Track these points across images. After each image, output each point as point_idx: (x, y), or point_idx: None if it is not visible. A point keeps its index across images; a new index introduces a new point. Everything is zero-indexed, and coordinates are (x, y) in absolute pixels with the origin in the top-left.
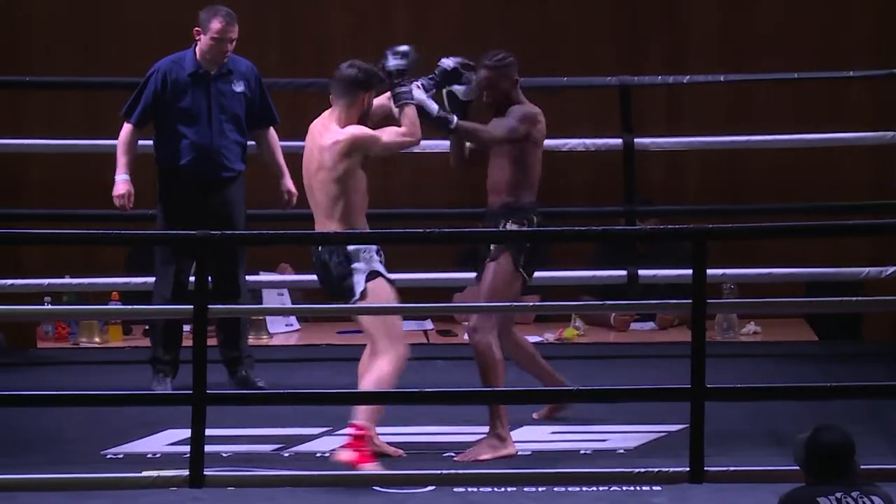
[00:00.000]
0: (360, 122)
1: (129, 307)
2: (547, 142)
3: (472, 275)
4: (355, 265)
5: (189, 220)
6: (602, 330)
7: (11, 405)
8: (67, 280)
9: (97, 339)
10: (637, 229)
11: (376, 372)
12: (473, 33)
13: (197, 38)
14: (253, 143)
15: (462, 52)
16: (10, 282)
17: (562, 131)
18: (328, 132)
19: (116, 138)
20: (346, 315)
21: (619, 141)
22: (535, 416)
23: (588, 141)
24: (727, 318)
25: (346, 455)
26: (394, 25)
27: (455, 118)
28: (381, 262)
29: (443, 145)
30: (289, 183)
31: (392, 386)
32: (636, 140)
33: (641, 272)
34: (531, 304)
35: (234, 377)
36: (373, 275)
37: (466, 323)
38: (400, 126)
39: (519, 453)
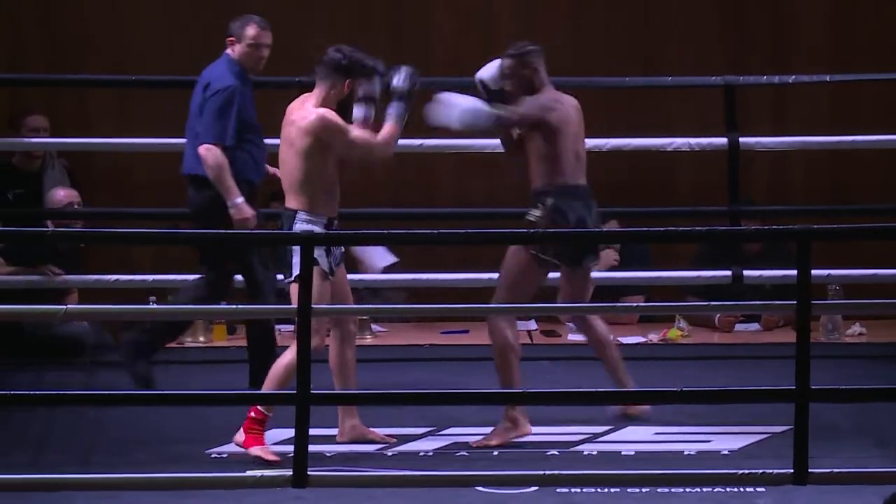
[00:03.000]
0: (341, 109)
1: (233, 307)
2: (652, 141)
3: None
4: (294, 249)
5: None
6: (706, 331)
7: (117, 404)
8: (171, 276)
9: (202, 339)
10: (742, 230)
11: (281, 359)
12: (579, 33)
13: (230, 47)
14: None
15: (565, 53)
16: (114, 277)
17: (667, 131)
18: (301, 110)
19: None
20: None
21: (724, 140)
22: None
23: (693, 140)
24: (832, 319)
25: (239, 436)
26: (499, 25)
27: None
28: (324, 253)
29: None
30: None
31: (292, 377)
32: (741, 140)
33: (746, 273)
34: (635, 304)
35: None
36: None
37: (570, 324)
38: (380, 134)
39: (622, 453)
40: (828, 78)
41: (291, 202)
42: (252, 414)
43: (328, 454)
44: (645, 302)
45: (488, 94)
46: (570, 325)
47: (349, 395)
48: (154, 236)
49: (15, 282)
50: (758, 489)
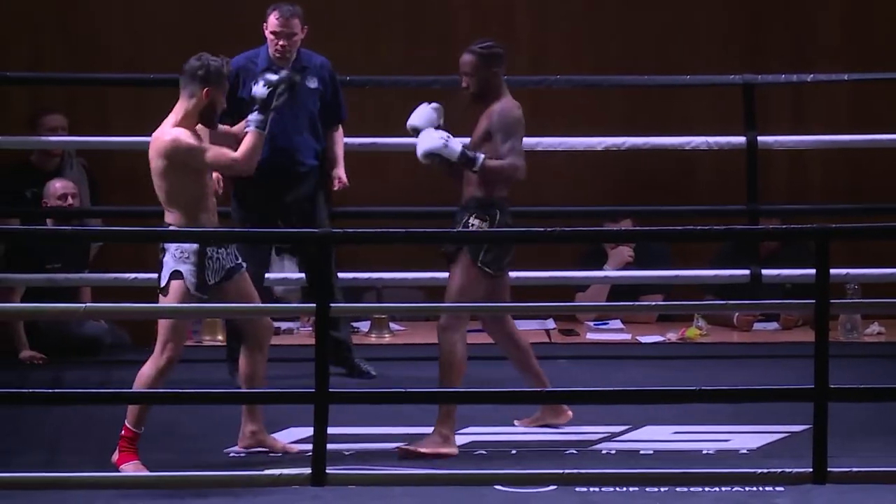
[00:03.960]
0: (203, 118)
1: (251, 305)
2: (670, 140)
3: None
4: (165, 259)
5: (265, 217)
6: (725, 330)
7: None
8: None
9: (220, 337)
10: (760, 229)
11: (142, 374)
12: (595, 32)
13: (265, 34)
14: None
15: (583, 52)
16: (132, 275)
17: (685, 130)
18: (161, 127)
19: None
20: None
21: (742, 139)
22: (516, 422)
23: (711, 139)
24: (851, 318)
25: (115, 455)
26: (517, 25)
27: (480, 157)
28: (191, 264)
29: None
30: (340, 171)
31: (155, 387)
32: (759, 139)
33: (765, 272)
34: (653, 303)
35: (345, 366)
36: (175, 274)
37: (589, 322)
38: (240, 147)
39: (641, 452)
40: (846, 77)
41: (167, 217)
42: (123, 432)
43: (346, 453)
44: (664, 301)
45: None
46: (590, 323)
47: (367, 393)
48: (172, 234)
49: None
50: (777, 488)
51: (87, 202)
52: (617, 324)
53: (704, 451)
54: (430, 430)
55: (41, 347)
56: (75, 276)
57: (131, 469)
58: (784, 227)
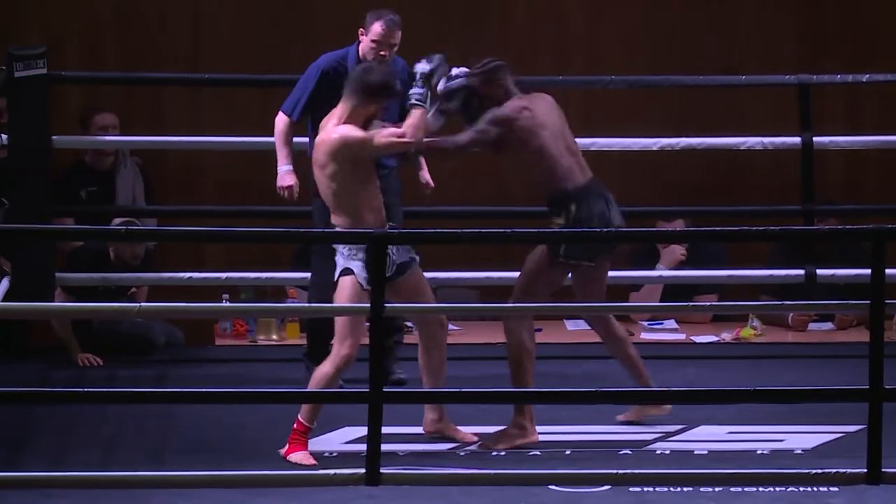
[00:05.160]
0: (365, 127)
1: (306, 305)
2: (725, 140)
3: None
4: (336, 258)
5: None
6: (780, 330)
7: (191, 402)
8: (243, 274)
9: (275, 337)
10: (815, 229)
11: (319, 371)
12: (653, 31)
13: (360, 37)
14: None
15: (639, 51)
16: (188, 275)
17: (741, 130)
18: (325, 130)
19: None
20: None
21: (797, 140)
22: (619, 418)
23: (766, 140)
24: None
25: (285, 448)
26: (571, 24)
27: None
28: (360, 261)
29: None
30: (426, 175)
31: (331, 385)
32: (815, 139)
33: (820, 272)
34: (709, 303)
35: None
36: (346, 271)
37: (644, 322)
38: (405, 122)
39: (695, 452)
40: None
41: (333, 218)
42: (295, 426)
43: (400, 453)
44: (718, 301)
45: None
46: (644, 323)
47: (421, 393)
48: (223, 234)
49: (86, 280)
50: (831, 489)
51: (141, 201)
52: (671, 324)
53: (759, 452)
54: (486, 429)
55: (95, 349)
56: (131, 276)
57: (298, 458)
58: (840, 227)
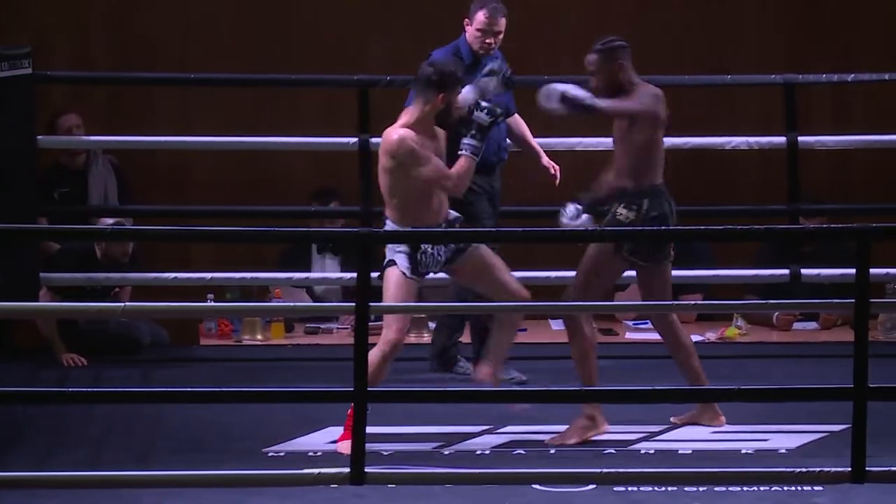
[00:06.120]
0: (438, 121)
1: (291, 304)
2: (711, 140)
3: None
4: (386, 250)
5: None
6: (765, 329)
7: (174, 402)
8: (228, 274)
9: (259, 337)
10: (800, 228)
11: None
12: (645, 30)
13: (465, 28)
14: None
15: (633, 50)
16: (173, 275)
17: (727, 129)
18: (390, 128)
19: (279, 135)
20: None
21: (783, 139)
22: (673, 420)
23: (752, 139)
24: (891, 317)
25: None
26: (564, 23)
27: (600, 100)
28: (404, 253)
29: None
30: (546, 160)
31: (379, 371)
32: (801, 139)
33: (805, 271)
34: (693, 302)
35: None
36: (390, 263)
37: (629, 321)
38: (454, 168)
39: (679, 451)
40: (887, 76)
41: (386, 210)
42: (349, 412)
43: (385, 452)
44: (704, 300)
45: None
46: (628, 322)
47: (406, 392)
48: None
49: (71, 280)
50: (816, 488)
51: (114, 199)
52: None
53: (743, 451)
54: (470, 428)
55: (81, 349)
56: (116, 276)
57: (347, 448)
58: (825, 226)
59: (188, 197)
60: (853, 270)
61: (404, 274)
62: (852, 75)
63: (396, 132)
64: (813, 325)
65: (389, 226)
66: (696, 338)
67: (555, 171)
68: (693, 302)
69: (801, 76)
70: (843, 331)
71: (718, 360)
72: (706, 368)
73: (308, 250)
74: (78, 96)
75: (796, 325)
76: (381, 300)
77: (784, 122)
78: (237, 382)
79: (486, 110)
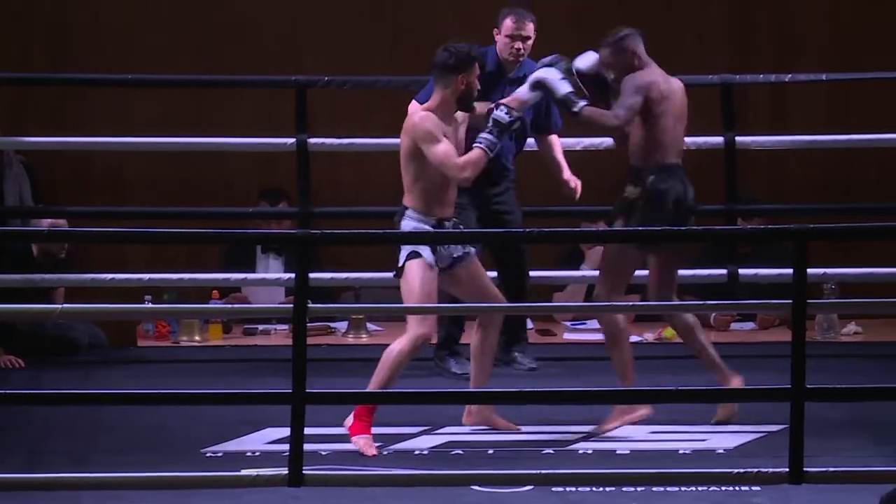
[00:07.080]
0: (461, 104)
1: (229, 306)
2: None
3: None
4: (402, 246)
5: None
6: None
7: (113, 403)
8: (165, 275)
9: (197, 338)
10: (738, 229)
11: (392, 350)
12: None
13: (496, 37)
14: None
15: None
16: (110, 276)
17: None
18: (411, 111)
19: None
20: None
21: (720, 139)
22: (598, 428)
23: (688, 139)
24: (828, 318)
25: (348, 421)
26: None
27: (582, 102)
28: (429, 248)
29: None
30: (568, 174)
31: (404, 364)
32: (738, 139)
33: (742, 271)
34: (630, 303)
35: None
36: (413, 255)
37: (566, 322)
38: (464, 157)
39: (617, 452)
40: (824, 76)
41: (405, 199)
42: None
43: (323, 453)
44: (641, 301)
45: (585, 82)
46: (566, 322)
47: (343, 394)
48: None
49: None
50: (754, 488)
51: (28, 200)
52: (594, 324)
53: (681, 451)
54: (408, 429)
55: (18, 350)
56: (53, 277)
57: (361, 444)
58: (762, 227)
59: (124, 198)
60: (791, 271)
61: (430, 266)
62: (789, 76)
63: (418, 114)
64: (750, 325)
65: (409, 216)
66: (633, 338)
67: (575, 184)
68: (630, 303)
69: (738, 76)
70: (781, 331)
71: (656, 360)
72: (644, 370)
73: (253, 251)
74: (21, 97)
75: (734, 326)
76: (319, 301)
77: (722, 122)
78: (175, 384)
79: (506, 110)
